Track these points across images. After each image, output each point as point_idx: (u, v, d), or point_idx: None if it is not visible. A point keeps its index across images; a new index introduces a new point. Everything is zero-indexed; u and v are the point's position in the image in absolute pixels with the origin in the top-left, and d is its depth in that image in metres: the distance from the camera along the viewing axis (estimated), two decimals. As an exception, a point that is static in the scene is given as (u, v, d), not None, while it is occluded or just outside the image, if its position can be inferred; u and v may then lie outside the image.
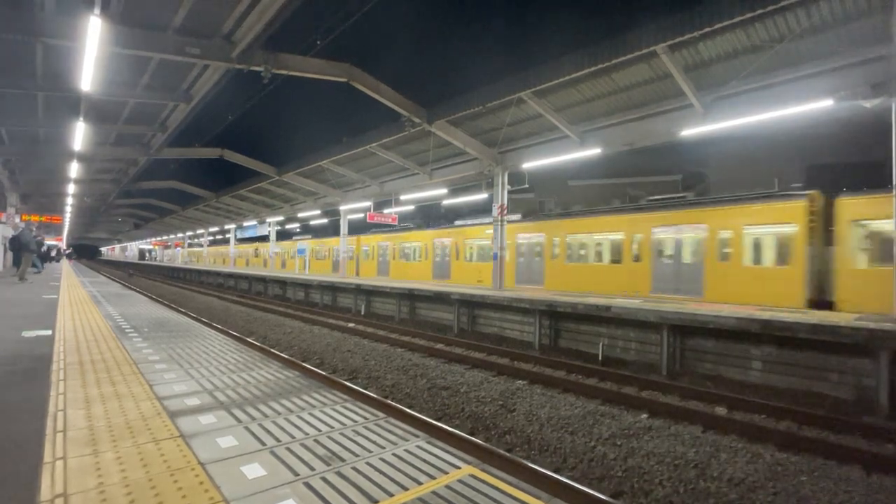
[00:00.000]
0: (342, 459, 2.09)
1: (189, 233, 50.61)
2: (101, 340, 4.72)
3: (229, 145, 18.42)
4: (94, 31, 6.65)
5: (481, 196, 17.07)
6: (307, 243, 33.09)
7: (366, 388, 6.97)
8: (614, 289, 13.39)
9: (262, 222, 32.66)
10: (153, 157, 17.89)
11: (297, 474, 1.93)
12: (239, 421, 2.53)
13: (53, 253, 34.34)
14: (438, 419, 5.77)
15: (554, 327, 10.68)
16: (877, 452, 4.91)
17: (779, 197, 10.92)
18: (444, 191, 17.13)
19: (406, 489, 1.83)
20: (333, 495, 1.77)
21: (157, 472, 1.90)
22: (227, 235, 41.78)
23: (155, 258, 74.37)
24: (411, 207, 22.97)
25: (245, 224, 34.90)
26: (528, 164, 13.19)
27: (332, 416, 2.65)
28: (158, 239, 64.34)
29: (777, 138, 17.99)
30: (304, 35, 9.99)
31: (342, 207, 22.15)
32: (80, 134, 12.40)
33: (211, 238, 47.61)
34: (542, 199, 29.14)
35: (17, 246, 14.10)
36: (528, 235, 16.86)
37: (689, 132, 9.64)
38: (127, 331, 5.44)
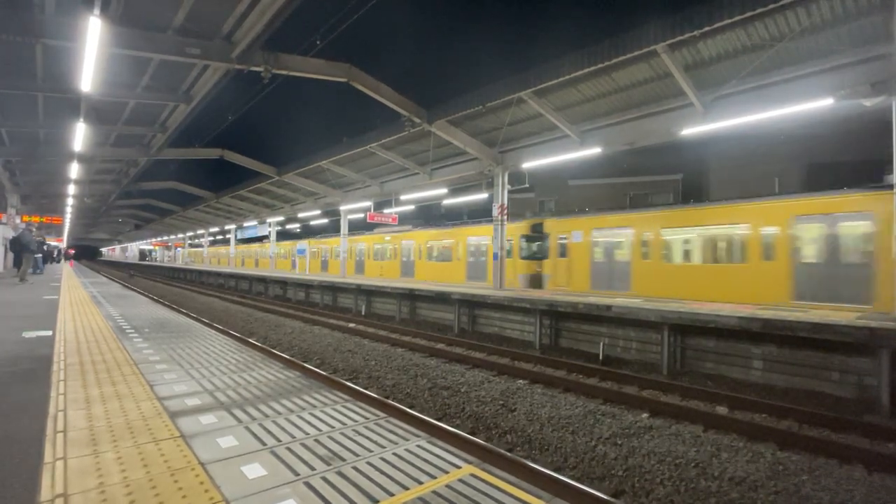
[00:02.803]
0: (343, 459, 2.09)
1: (189, 233, 50.63)
2: (101, 341, 4.72)
3: (229, 146, 18.43)
4: (93, 32, 6.64)
5: (481, 196, 17.07)
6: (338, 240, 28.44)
7: (366, 388, 6.97)
8: (736, 295, 10.91)
9: (262, 222, 32.64)
10: (153, 158, 17.88)
11: (297, 474, 1.93)
12: (239, 421, 2.53)
13: (55, 254, 34.41)
14: (439, 419, 5.76)
15: (554, 327, 10.67)
16: (878, 451, 4.91)
17: None
18: (444, 191, 17.13)
19: (407, 489, 1.83)
20: (334, 495, 1.77)
21: (157, 472, 1.90)
22: (228, 236, 41.78)
23: (155, 259, 74.44)
24: (412, 207, 22.95)
25: (245, 224, 34.88)
26: (529, 164, 13.18)
27: (332, 416, 2.65)
28: (159, 239, 64.38)
29: (777, 138, 17.98)
30: (304, 35, 10.00)
31: (342, 207, 22.15)
32: (80, 135, 12.40)
33: (212, 238, 47.56)
34: (542, 199, 29.19)
35: (18, 247, 14.13)
36: (609, 231, 14.10)
37: (690, 131, 9.63)
38: (127, 331, 5.44)
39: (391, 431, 2.44)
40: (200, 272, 35.22)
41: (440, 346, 10.43)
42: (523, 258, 16.79)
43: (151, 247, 72.74)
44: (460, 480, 1.91)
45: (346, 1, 8.83)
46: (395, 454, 2.16)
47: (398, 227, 23.48)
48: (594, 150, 11.54)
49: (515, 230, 16.76)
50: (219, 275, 31.57)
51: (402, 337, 11.47)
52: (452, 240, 19.96)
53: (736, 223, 11.46)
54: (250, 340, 10.51)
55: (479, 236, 18.63)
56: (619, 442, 5.12)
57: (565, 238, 15.26)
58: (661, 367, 8.43)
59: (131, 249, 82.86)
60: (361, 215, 21.24)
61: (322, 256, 31.27)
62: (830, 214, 10.00)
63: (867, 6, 7.07)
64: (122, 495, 1.71)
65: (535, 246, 16.71)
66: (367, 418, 2.63)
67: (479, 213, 24.76)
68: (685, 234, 12.55)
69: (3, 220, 20.81)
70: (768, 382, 7.50)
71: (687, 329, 8.36)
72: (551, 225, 15.94)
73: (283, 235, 41.27)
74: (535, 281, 16.43)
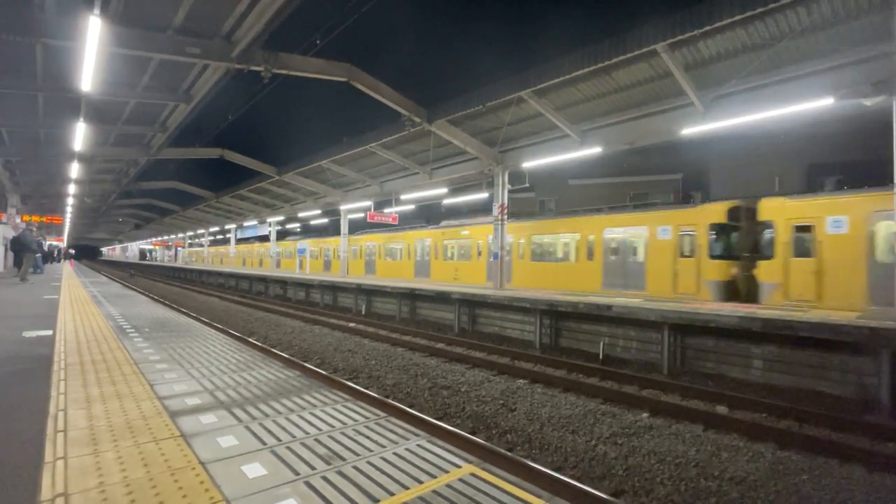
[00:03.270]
0: (343, 458, 2.09)
1: (189, 233, 50.64)
2: (101, 340, 4.72)
3: (229, 145, 18.43)
4: (94, 32, 6.64)
5: (482, 195, 17.06)
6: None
7: (367, 388, 6.97)
8: None
9: (262, 222, 32.63)
10: (153, 158, 17.88)
11: (297, 473, 1.93)
12: (239, 420, 2.53)
13: (55, 253, 34.44)
14: (439, 418, 5.77)
15: (555, 326, 10.67)
16: (878, 451, 4.91)
17: None
18: (444, 190, 17.15)
19: (407, 488, 1.83)
20: (334, 494, 1.77)
21: (157, 471, 1.90)
22: (228, 235, 41.70)
23: (155, 258, 74.49)
24: (412, 207, 22.93)
25: (245, 224, 34.87)
26: (529, 164, 13.17)
27: (332, 416, 2.65)
28: (159, 239, 64.43)
29: (778, 137, 17.97)
30: (304, 35, 9.99)
31: (342, 207, 22.15)
32: (80, 134, 12.40)
33: (212, 238, 47.45)
34: (542, 199, 29.18)
35: (19, 247, 14.14)
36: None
37: (690, 131, 9.62)
38: (128, 331, 5.44)
39: (391, 431, 2.44)
40: (201, 272, 35.23)
41: (440, 345, 10.43)
42: (716, 258, 11.57)
43: (152, 246, 72.79)
44: (460, 480, 1.91)
45: (346, 1, 8.83)
46: (395, 454, 2.16)
47: (487, 218, 17.51)
48: (594, 150, 11.53)
49: (696, 216, 11.88)
50: (219, 274, 31.59)
51: (402, 336, 11.47)
52: (578, 233, 15.04)
53: None
54: (250, 340, 10.51)
55: (623, 227, 13.62)
56: (620, 441, 5.12)
57: (809, 227, 10.13)
58: (661, 366, 8.43)
59: (131, 249, 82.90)
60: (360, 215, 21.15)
61: (366, 255, 26.03)
62: None
63: (867, 5, 7.06)
64: (122, 495, 1.71)
65: (741, 240, 11.64)
66: (367, 418, 2.63)
67: (479, 213, 24.65)
68: None
69: (3, 219, 20.83)
70: (768, 382, 7.50)
71: (687, 329, 8.36)
72: (778, 208, 10.64)
73: (316, 232, 37.35)
74: (739, 291, 11.37)
